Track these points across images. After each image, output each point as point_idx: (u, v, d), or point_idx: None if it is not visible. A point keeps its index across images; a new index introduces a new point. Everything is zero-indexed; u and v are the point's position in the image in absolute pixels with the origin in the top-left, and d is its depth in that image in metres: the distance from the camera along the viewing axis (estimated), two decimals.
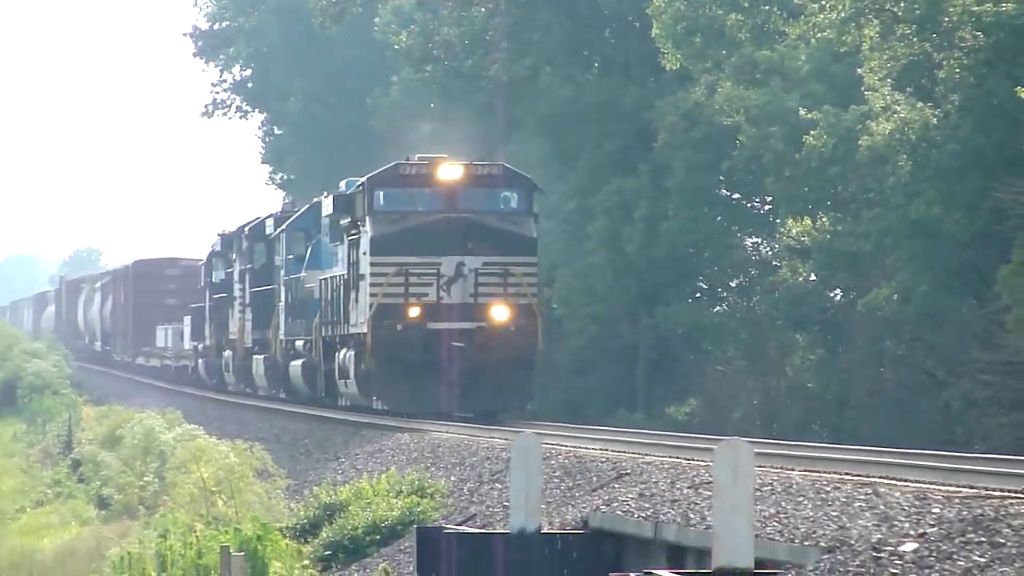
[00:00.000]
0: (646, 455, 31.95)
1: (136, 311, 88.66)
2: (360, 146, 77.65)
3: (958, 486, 22.82)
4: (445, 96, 70.29)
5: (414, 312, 41.13)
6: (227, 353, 66.33)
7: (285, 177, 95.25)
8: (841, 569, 21.19)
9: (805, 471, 25.33)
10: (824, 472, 26.21)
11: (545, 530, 28.38)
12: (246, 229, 63.37)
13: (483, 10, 70.09)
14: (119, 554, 35.74)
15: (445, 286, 41.31)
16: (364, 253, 41.97)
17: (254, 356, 60.87)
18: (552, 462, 31.27)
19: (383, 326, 40.91)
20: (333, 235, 48.67)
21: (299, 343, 53.57)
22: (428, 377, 40.80)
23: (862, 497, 23.20)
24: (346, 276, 44.47)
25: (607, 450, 33.07)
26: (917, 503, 22.24)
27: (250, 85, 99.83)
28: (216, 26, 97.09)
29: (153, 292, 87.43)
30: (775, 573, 21.75)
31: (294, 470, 41.53)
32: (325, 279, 48.49)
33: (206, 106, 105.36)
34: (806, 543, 22.05)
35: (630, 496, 28.89)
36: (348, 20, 77.28)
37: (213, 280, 66.63)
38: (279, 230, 56.78)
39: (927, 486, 23.02)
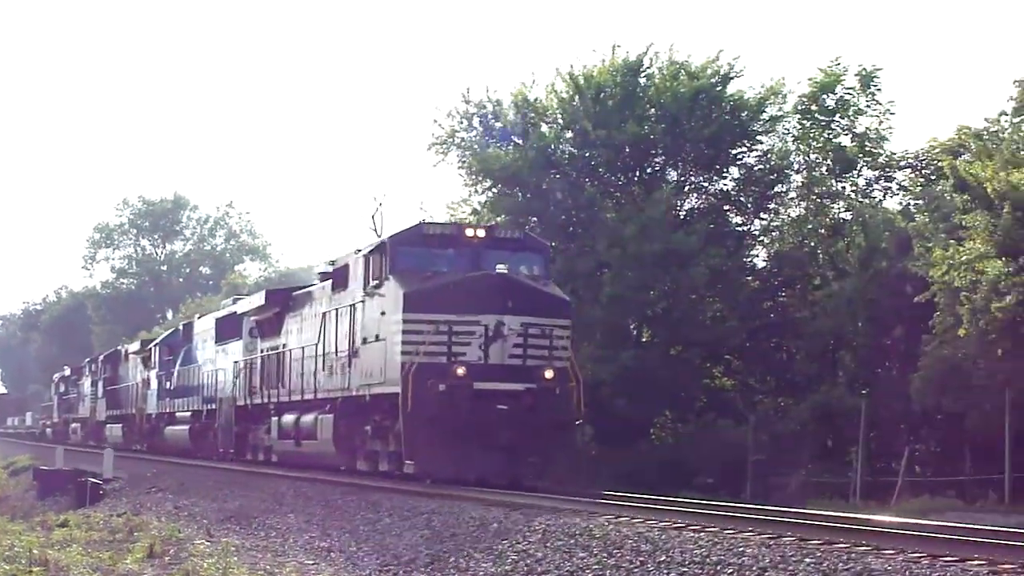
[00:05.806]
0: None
1: None
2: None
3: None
4: None
5: (460, 372, 25.39)
6: (74, 425, 71.86)
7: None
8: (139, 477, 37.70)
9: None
10: None
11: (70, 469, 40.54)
12: (101, 356, 65.12)
13: None
14: None
15: (485, 346, 25.56)
16: (383, 313, 26.89)
17: (108, 425, 59.55)
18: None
19: (425, 386, 25.16)
20: (224, 336, 40.29)
21: (181, 414, 45.13)
22: (471, 441, 25.47)
23: None
24: (336, 344, 29.77)
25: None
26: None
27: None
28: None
29: (6, 404, 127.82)
30: (120, 478, 36.64)
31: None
32: (247, 360, 37.11)
33: None
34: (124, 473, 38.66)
35: (94, 465, 41.88)
36: None
37: (61, 391, 79.14)
38: (150, 346, 52.44)
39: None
